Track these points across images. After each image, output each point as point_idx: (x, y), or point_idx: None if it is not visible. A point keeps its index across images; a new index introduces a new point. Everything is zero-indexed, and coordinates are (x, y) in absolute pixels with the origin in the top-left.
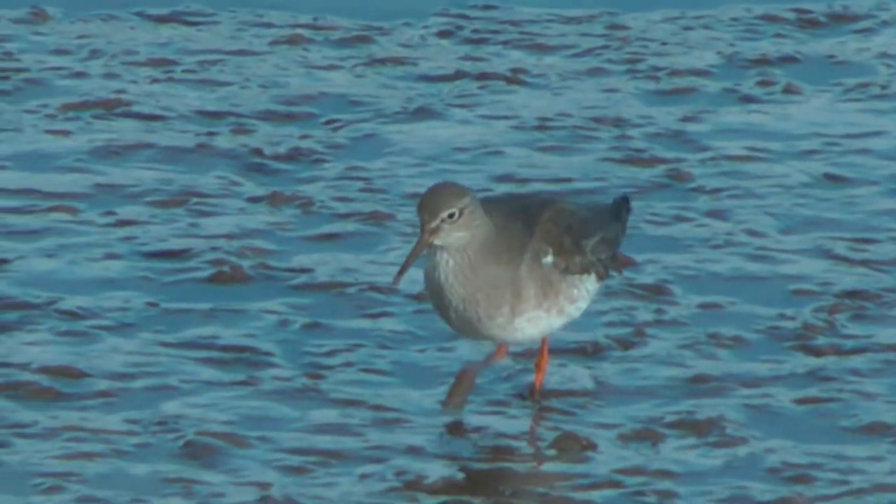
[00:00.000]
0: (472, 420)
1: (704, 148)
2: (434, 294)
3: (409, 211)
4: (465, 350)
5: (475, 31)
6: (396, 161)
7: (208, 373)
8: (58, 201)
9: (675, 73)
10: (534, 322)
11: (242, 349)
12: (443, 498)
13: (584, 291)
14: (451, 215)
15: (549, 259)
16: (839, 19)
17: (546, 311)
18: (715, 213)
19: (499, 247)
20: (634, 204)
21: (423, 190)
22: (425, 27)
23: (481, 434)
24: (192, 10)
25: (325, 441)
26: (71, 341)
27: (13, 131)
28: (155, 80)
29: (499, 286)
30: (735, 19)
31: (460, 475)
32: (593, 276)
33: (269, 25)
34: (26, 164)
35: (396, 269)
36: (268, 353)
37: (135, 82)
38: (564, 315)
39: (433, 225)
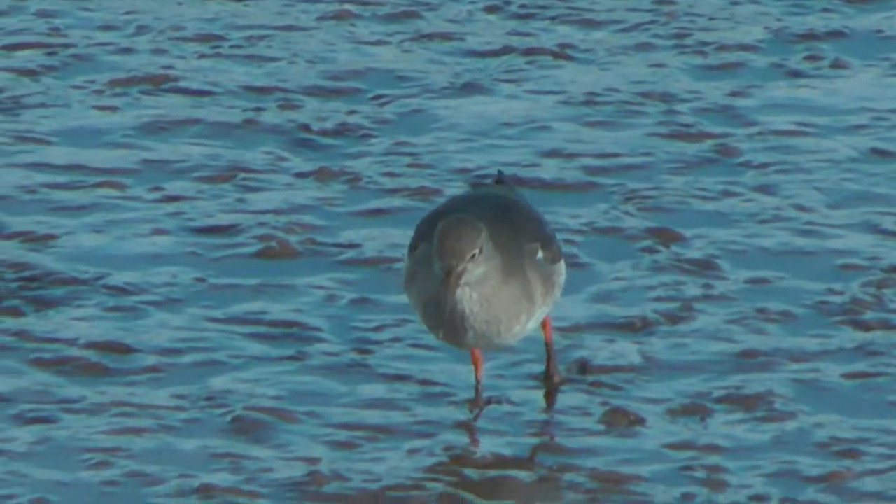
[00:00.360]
0: (520, 395)
1: (752, 123)
2: (451, 324)
3: (456, 186)
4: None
5: (522, 6)
6: (444, 136)
7: (256, 348)
8: (105, 177)
9: (722, 48)
10: (537, 318)
11: (290, 324)
12: (491, 473)
13: (562, 275)
14: (473, 256)
15: (540, 255)
16: None
17: (545, 304)
18: (763, 188)
19: (505, 262)
20: (682, 179)
21: (470, 165)
22: (472, 2)
23: (529, 409)
24: None
25: (372, 416)
26: (118, 317)
27: (61, 107)
28: (202, 56)
29: (516, 298)
30: None
31: (508, 450)
32: (562, 259)
33: (317, 1)
34: (74, 139)
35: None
36: (316, 329)
37: (182, 58)
38: (552, 302)
39: (460, 269)
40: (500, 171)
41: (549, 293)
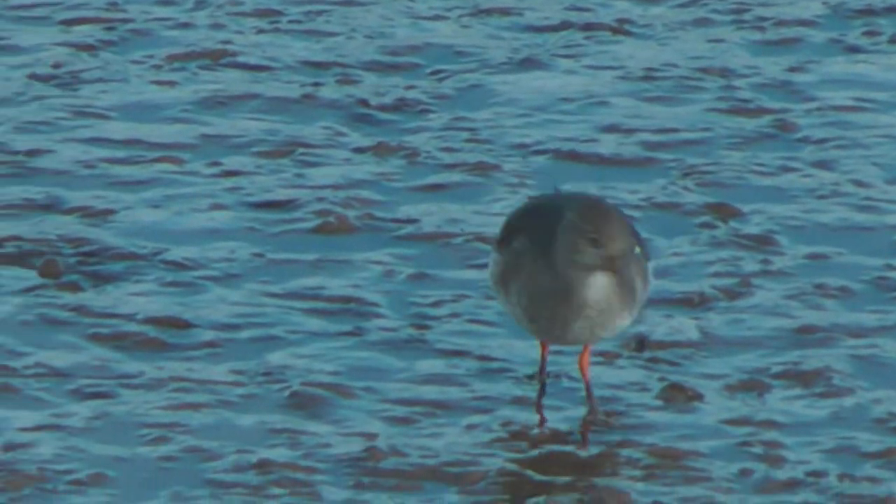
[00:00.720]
0: (576, 369)
1: (810, 98)
2: (576, 311)
3: (514, 161)
4: None
5: None
6: (502, 111)
7: (314, 323)
8: (163, 152)
9: (780, 23)
10: (633, 315)
11: (348, 300)
12: (549, 448)
13: (652, 273)
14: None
15: (637, 251)
16: None
17: (641, 300)
18: (821, 164)
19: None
20: (740, 155)
21: (528, 141)
22: None
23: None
24: None
25: (430, 391)
26: (177, 292)
27: (119, 82)
28: (261, 31)
29: (626, 292)
30: None
31: (565, 426)
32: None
33: None
34: (132, 114)
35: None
36: (373, 304)
37: (241, 33)
38: (644, 300)
39: (622, 257)
40: (556, 188)
41: (645, 290)
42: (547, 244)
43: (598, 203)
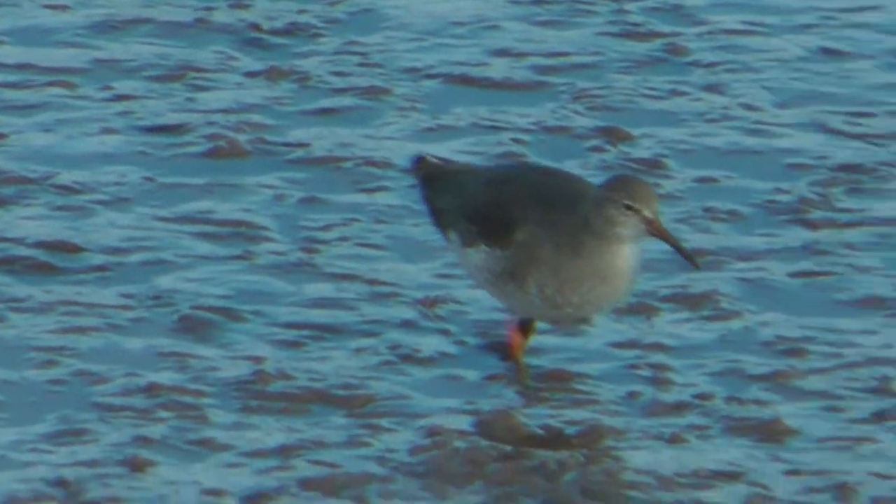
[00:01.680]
0: (468, 294)
1: (701, 22)
2: (615, 286)
3: (406, 85)
4: None
5: None
6: (393, 36)
7: (204, 247)
8: (55, 76)
9: None
10: None
11: (238, 223)
12: (437, 371)
13: None
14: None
15: None
16: None
17: None
18: (711, 88)
19: None
20: (631, 78)
21: (419, 65)
22: None
23: (475, 308)
24: None
25: (319, 315)
26: (67, 216)
27: (11, 6)
28: None
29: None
30: None
31: (454, 349)
32: None
33: None
34: (24, 38)
35: (394, 145)
36: (263, 228)
37: None
38: None
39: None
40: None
41: None
42: (569, 229)
43: (619, 175)
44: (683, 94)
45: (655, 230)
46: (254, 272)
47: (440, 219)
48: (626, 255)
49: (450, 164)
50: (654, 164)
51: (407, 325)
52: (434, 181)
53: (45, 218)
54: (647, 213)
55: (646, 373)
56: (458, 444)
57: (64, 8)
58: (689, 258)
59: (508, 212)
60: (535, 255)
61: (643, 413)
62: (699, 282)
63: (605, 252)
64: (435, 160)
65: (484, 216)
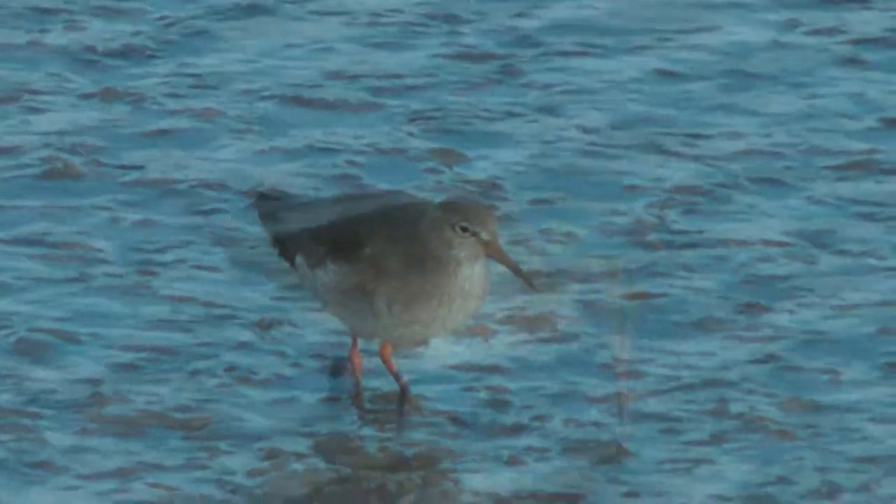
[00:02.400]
0: (304, 316)
1: (537, 44)
2: (459, 305)
3: (240, 108)
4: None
5: None
6: (228, 58)
7: (40, 269)
8: None
9: None
10: None
11: (74, 246)
12: (274, 393)
13: None
14: None
15: None
16: None
17: None
18: (546, 109)
19: None
20: (465, 100)
21: (255, 87)
22: None
23: (311, 331)
24: None
25: (156, 337)
26: None
27: None
28: None
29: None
30: None
31: (291, 371)
32: None
33: None
34: None
35: (230, 167)
36: (99, 250)
37: None
38: None
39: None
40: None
41: None
42: (413, 247)
43: (456, 197)
44: (518, 115)
45: (493, 252)
46: (90, 294)
47: (285, 245)
48: (471, 274)
49: (288, 196)
50: (490, 186)
51: (242, 346)
52: (276, 211)
53: None
54: (484, 235)
55: (483, 395)
56: (296, 466)
57: None
58: (527, 280)
59: (356, 228)
60: (384, 268)
61: (481, 435)
62: (536, 303)
63: (447, 272)
64: (274, 193)
65: (332, 234)
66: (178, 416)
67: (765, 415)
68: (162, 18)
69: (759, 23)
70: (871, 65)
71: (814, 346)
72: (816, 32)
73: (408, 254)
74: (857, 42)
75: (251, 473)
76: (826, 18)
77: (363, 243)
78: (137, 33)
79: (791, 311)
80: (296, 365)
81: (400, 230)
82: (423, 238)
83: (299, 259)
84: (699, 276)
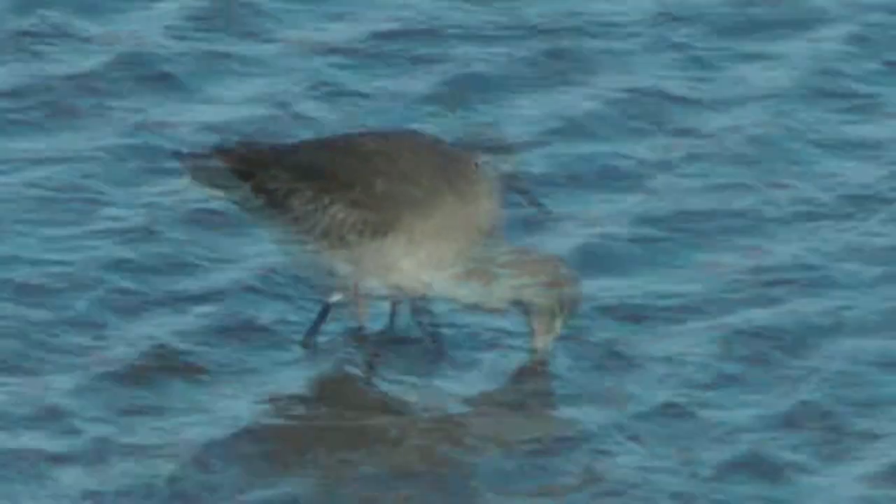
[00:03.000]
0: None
1: None
2: (485, 226)
3: None
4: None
5: None
6: None
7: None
8: None
9: None
10: None
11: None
12: (278, 338)
13: None
14: None
15: None
16: None
17: None
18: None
19: None
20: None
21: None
22: None
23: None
24: None
25: (160, 281)
26: None
27: None
28: None
29: None
30: None
31: (295, 316)
32: None
33: None
34: None
35: None
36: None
37: None
38: None
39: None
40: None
41: None
42: (444, 175)
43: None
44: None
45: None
46: (93, 238)
47: (277, 193)
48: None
49: (258, 145)
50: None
51: (248, 290)
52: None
53: None
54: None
55: (486, 337)
56: (299, 409)
57: None
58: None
59: (354, 167)
60: (411, 202)
61: (486, 379)
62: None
63: (486, 194)
64: (243, 144)
65: (334, 172)
66: (181, 359)
67: None
68: None
69: None
70: None
71: None
72: None
73: (444, 184)
74: None
75: (254, 417)
76: None
77: (364, 182)
78: None
79: None
80: (301, 309)
81: (411, 164)
82: (459, 165)
83: (296, 201)
84: None
